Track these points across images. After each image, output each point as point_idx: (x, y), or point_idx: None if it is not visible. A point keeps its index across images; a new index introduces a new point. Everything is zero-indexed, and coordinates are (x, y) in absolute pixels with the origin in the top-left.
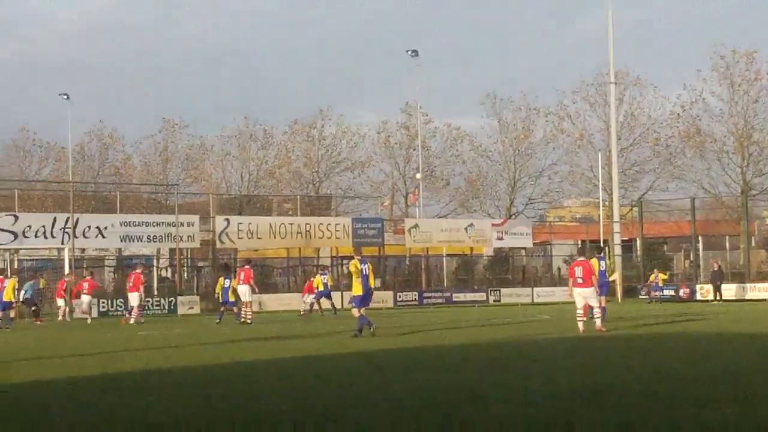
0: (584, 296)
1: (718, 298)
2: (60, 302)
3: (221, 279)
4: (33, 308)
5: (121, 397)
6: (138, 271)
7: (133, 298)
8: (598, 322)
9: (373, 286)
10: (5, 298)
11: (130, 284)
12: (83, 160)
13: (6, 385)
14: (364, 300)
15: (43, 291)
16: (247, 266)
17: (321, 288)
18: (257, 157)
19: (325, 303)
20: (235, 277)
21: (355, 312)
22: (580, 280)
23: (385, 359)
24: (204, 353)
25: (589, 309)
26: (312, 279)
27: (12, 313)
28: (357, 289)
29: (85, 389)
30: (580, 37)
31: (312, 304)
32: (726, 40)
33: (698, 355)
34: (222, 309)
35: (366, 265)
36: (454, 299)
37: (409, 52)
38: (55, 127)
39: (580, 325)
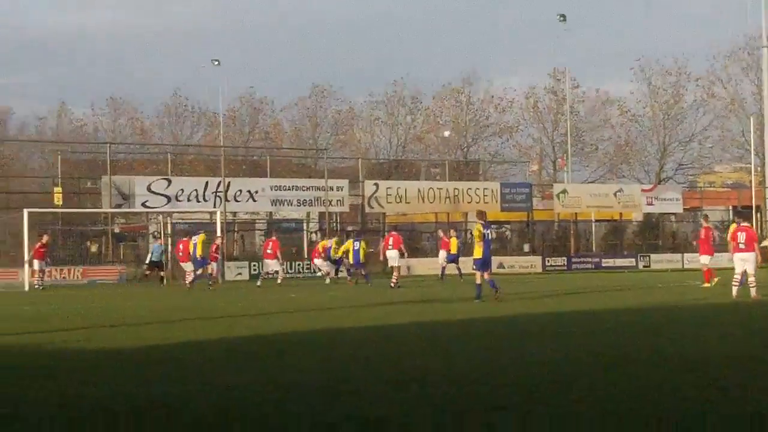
0: (744, 260)
1: None
2: (213, 265)
3: (350, 242)
4: (159, 271)
5: (275, 358)
6: (274, 238)
7: (273, 264)
8: (753, 290)
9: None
10: (198, 255)
11: (268, 251)
12: (234, 125)
13: (167, 345)
14: (484, 264)
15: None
16: (395, 232)
17: (454, 251)
18: (405, 122)
19: (452, 267)
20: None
21: (478, 277)
22: (742, 245)
23: (531, 324)
24: (352, 316)
25: (744, 275)
26: (448, 239)
27: (208, 269)
28: (477, 253)
29: (238, 351)
30: (733, 0)
31: (444, 269)
32: None
33: None
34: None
35: (489, 230)
36: (603, 264)
37: (558, 17)
38: (207, 93)
39: (734, 290)
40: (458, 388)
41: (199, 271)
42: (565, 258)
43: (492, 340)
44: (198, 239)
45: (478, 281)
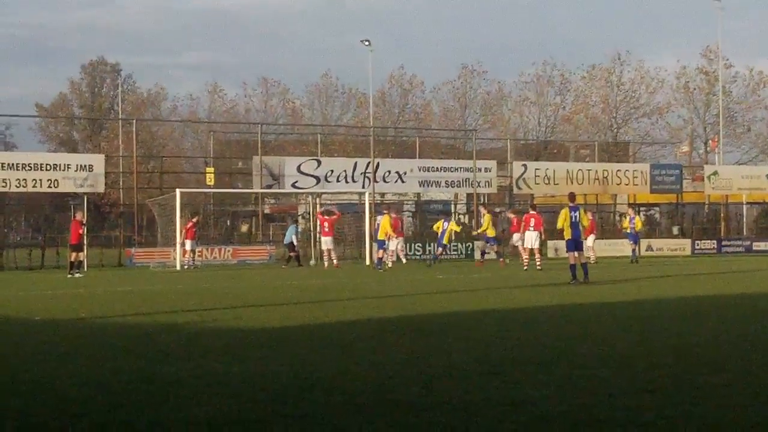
0: None
1: None
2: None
3: (440, 222)
4: (292, 253)
5: (421, 339)
6: (393, 214)
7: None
8: None
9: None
10: (379, 237)
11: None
12: (383, 106)
13: (314, 325)
14: (574, 245)
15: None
16: (535, 212)
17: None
18: (554, 103)
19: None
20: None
21: (571, 258)
22: None
23: (677, 306)
24: (499, 297)
25: None
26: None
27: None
28: (567, 234)
29: (387, 331)
30: None
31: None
32: None
33: None
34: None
35: (576, 213)
36: (754, 248)
37: None
38: (357, 73)
39: None
40: (610, 371)
41: (380, 253)
42: (714, 241)
43: (636, 322)
44: (383, 220)
45: (572, 262)
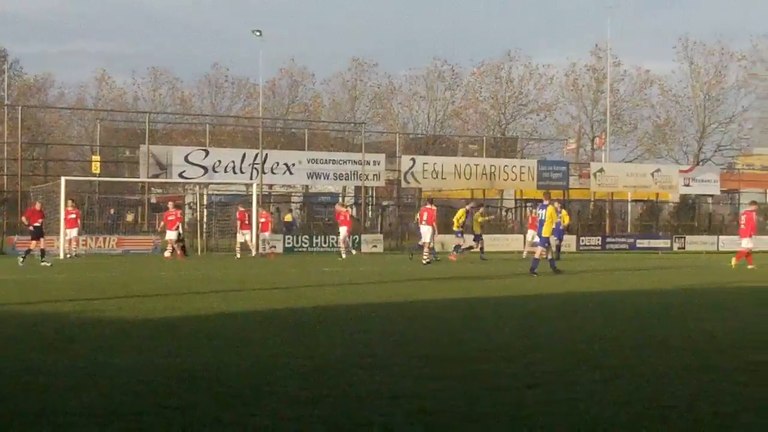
0: None
1: None
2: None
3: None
4: (177, 243)
5: (305, 332)
6: (343, 209)
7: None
8: None
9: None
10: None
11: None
12: (273, 97)
13: (199, 316)
14: (547, 241)
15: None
16: (429, 206)
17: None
18: (444, 98)
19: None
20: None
21: (539, 252)
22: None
23: (563, 302)
24: (385, 291)
25: None
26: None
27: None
28: (547, 231)
29: (271, 323)
30: None
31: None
32: None
33: None
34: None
35: (543, 211)
36: (637, 245)
37: None
38: (248, 64)
39: None
40: (490, 365)
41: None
42: (599, 238)
43: (523, 318)
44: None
45: (543, 256)
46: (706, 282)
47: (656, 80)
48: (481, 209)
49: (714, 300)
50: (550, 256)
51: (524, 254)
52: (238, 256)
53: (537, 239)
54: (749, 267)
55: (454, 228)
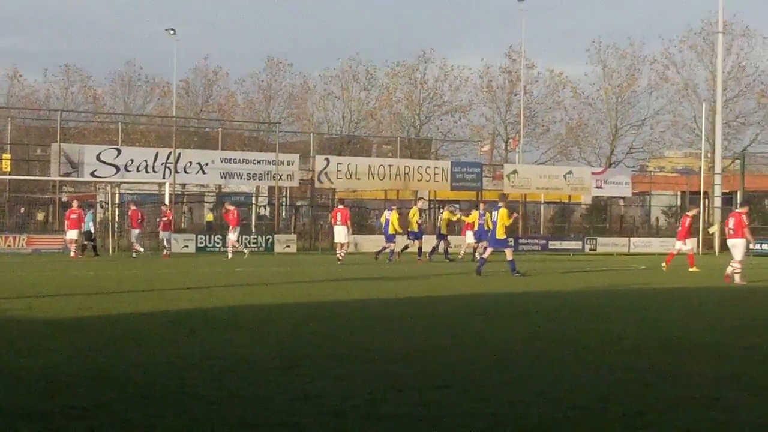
0: (732, 246)
1: None
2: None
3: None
4: (88, 242)
5: (216, 332)
6: (236, 209)
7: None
8: (728, 269)
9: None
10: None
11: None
12: (187, 96)
13: (109, 316)
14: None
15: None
16: (342, 207)
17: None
18: (359, 98)
19: (402, 245)
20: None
21: (509, 254)
22: (731, 231)
23: (476, 303)
24: (297, 291)
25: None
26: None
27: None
28: (501, 233)
29: (182, 324)
30: None
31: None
32: None
33: None
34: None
35: (496, 212)
36: (549, 247)
37: None
38: (162, 63)
39: (736, 277)
40: (401, 366)
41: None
42: (512, 239)
43: (437, 319)
44: (392, 215)
45: (510, 257)
46: (616, 283)
47: (569, 83)
48: (450, 208)
49: (624, 301)
50: (485, 255)
51: (460, 255)
52: (134, 255)
53: (472, 239)
54: (691, 270)
55: (410, 228)
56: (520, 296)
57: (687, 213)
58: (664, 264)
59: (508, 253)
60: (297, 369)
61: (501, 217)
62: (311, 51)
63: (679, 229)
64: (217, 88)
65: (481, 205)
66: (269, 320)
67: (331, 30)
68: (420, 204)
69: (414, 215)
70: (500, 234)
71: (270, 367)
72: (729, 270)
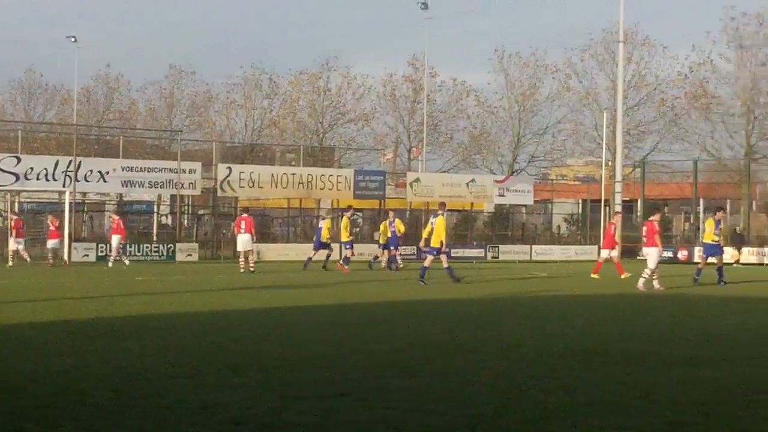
0: (646, 254)
1: (738, 261)
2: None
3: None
4: None
5: (116, 341)
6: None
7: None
8: (640, 281)
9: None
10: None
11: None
12: (88, 104)
13: (6, 326)
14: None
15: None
16: (246, 215)
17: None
18: (262, 106)
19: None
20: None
21: (429, 261)
22: (644, 239)
23: (382, 311)
24: (199, 300)
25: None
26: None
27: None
28: (435, 242)
29: (81, 333)
30: None
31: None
32: (737, 2)
33: (687, 316)
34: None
35: (434, 220)
36: (452, 254)
37: (419, 4)
38: (62, 70)
39: (655, 283)
40: (299, 374)
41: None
42: (415, 247)
43: (338, 326)
44: (324, 224)
45: (446, 264)
46: (518, 291)
47: (472, 91)
48: (349, 213)
49: (525, 309)
50: (446, 265)
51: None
52: (10, 263)
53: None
54: (622, 276)
55: (344, 239)
56: (422, 304)
57: (612, 220)
58: (593, 274)
59: (428, 261)
60: (197, 378)
61: (438, 225)
62: (214, 59)
63: (604, 237)
64: (119, 95)
65: (390, 213)
66: (170, 329)
67: (233, 38)
68: (349, 213)
69: (346, 225)
70: (435, 242)
71: (170, 377)
72: (641, 282)
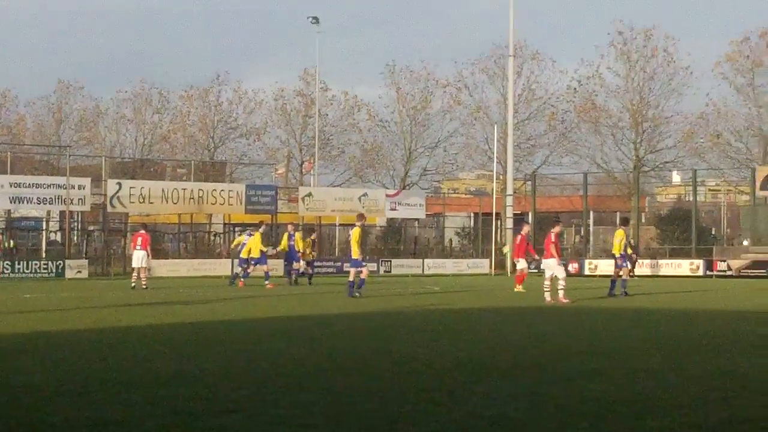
0: (546, 266)
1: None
2: None
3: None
4: None
5: (2, 359)
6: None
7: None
8: (546, 295)
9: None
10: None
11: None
12: None
13: None
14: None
15: None
16: (143, 231)
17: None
18: (152, 121)
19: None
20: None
21: (353, 274)
22: (545, 251)
23: (272, 326)
24: (88, 317)
25: (551, 280)
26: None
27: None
28: (356, 253)
29: None
30: (481, 9)
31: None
32: (625, 17)
33: (578, 328)
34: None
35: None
36: (344, 269)
37: (310, 19)
38: None
39: (546, 295)
40: (190, 390)
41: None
42: (305, 262)
43: (229, 342)
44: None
45: (351, 278)
46: (410, 305)
47: (364, 105)
48: (261, 229)
49: (417, 323)
50: (351, 279)
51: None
52: None
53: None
54: (516, 288)
55: (255, 255)
56: (313, 319)
57: (521, 232)
58: (516, 286)
59: (352, 273)
60: (86, 395)
61: (354, 236)
62: (103, 74)
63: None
64: (6, 111)
65: (290, 227)
66: (58, 346)
67: (123, 53)
68: (262, 229)
69: (258, 241)
70: (355, 254)
71: (58, 394)
72: (548, 294)
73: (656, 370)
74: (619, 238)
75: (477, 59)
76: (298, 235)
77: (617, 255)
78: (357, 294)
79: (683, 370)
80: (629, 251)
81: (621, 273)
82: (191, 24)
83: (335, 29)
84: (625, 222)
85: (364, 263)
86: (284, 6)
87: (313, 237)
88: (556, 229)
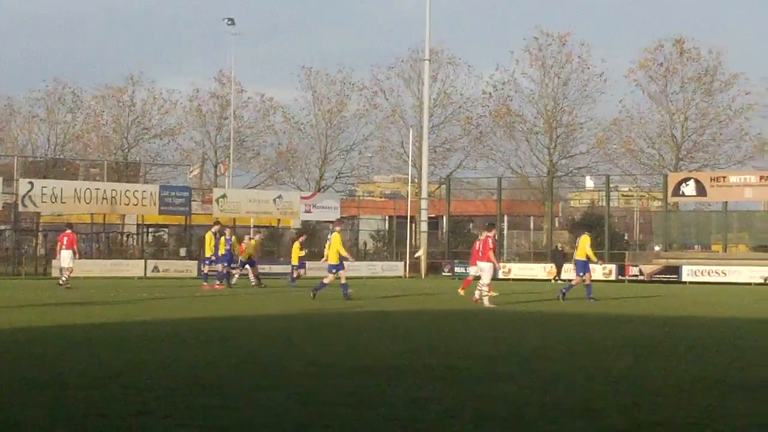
0: (479, 269)
1: (558, 278)
2: None
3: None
4: None
5: None
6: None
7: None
8: (476, 293)
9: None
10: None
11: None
12: None
13: None
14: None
15: None
16: (69, 231)
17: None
18: (65, 121)
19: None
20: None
21: (331, 278)
22: (479, 254)
23: (187, 327)
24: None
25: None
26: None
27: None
28: (333, 258)
29: None
30: (398, 14)
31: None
32: (541, 23)
33: (494, 332)
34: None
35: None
36: (260, 271)
37: (226, 21)
38: None
39: (485, 300)
40: (101, 392)
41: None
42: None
43: (142, 342)
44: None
45: (343, 281)
46: (324, 307)
47: (280, 107)
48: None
49: (327, 326)
50: (344, 281)
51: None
52: None
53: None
54: (460, 292)
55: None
56: (231, 320)
57: (481, 237)
58: (460, 290)
59: (342, 276)
60: None
61: (334, 241)
62: (15, 72)
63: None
64: None
65: (227, 231)
66: None
67: (36, 52)
68: (215, 229)
69: (210, 240)
70: (333, 259)
71: None
72: (477, 293)
73: (567, 373)
74: (587, 243)
75: (393, 63)
76: (235, 239)
77: (581, 260)
78: (348, 292)
79: (595, 373)
80: (594, 258)
81: (585, 278)
82: (106, 23)
83: (251, 32)
84: (588, 228)
85: (334, 269)
86: (200, 8)
87: (302, 239)
88: (493, 232)
